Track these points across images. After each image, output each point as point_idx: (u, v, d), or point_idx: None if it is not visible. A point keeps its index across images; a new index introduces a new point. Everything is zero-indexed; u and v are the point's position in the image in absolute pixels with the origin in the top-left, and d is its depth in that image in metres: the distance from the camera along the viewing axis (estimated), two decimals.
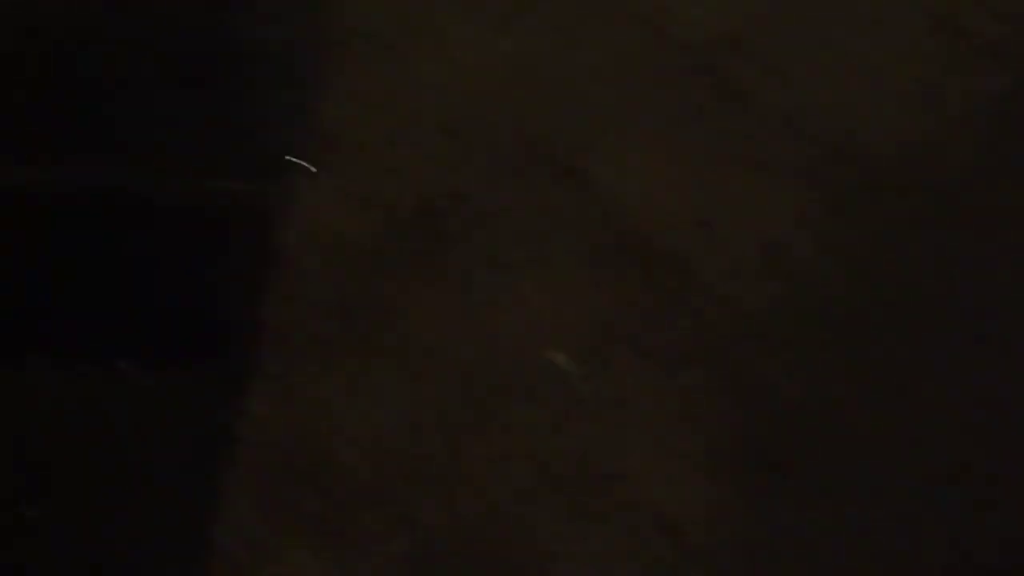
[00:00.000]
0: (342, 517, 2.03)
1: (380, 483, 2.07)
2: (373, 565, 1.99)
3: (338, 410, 2.14)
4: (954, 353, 2.24)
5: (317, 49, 2.61)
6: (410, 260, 2.33)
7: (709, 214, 2.41)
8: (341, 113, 2.51)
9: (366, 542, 2.01)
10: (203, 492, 2.03)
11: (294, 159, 2.41)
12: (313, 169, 2.41)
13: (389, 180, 2.43)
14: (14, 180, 2.36)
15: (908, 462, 2.12)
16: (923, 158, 2.50)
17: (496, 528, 2.04)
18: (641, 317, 2.27)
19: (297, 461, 2.07)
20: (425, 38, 2.65)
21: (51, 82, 2.53)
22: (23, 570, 1.97)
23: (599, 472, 2.09)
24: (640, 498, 2.06)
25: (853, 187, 2.46)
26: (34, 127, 2.45)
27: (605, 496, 2.07)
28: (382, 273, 2.31)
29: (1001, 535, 2.05)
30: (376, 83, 2.57)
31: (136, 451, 2.07)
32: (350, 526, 2.02)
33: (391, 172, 2.44)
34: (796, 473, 2.10)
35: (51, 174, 2.38)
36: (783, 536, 2.04)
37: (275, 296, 2.26)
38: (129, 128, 2.46)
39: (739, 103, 2.57)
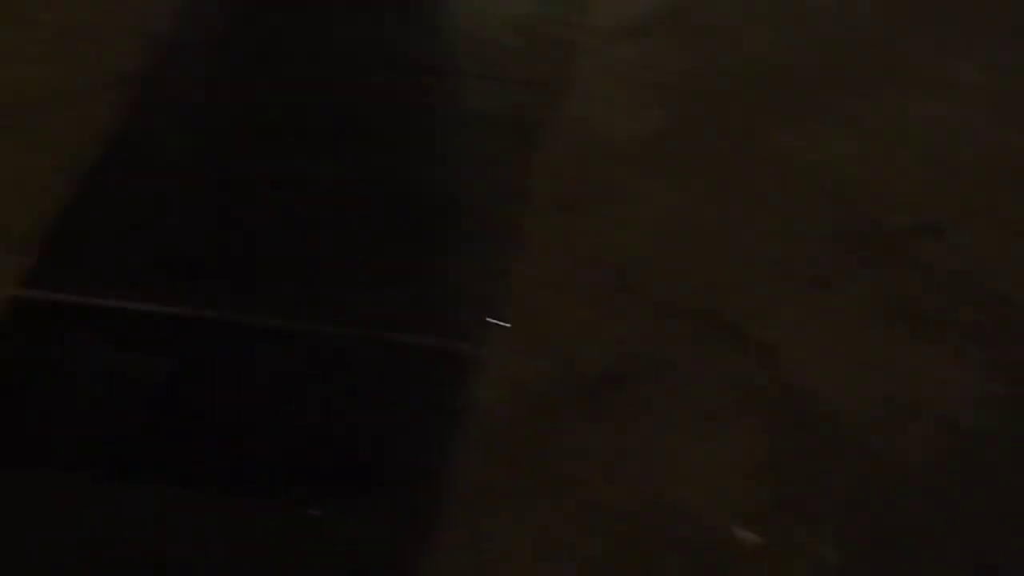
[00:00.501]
0: None
1: None
2: None
3: (513, 558, 2.19)
4: None
5: (502, 206, 2.73)
6: (588, 414, 2.38)
7: (881, 380, 2.43)
8: (523, 268, 2.61)
9: None
10: None
11: (490, 319, 2.50)
12: (507, 325, 2.49)
13: (568, 334, 2.50)
14: (221, 315, 2.51)
15: None
16: None
17: None
18: (807, 480, 2.29)
19: None
20: (606, 196, 2.76)
21: (253, 224, 2.69)
22: None
23: None
24: None
25: None
26: (243, 267, 2.61)
27: None
28: (559, 426, 2.37)
29: None
30: (557, 239, 2.67)
31: None
32: None
33: (570, 327, 2.52)
34: None
35: (248, 313, 2.51)
36: None
37: (454, 444, 2.33)
38: (318, 275, 2.59)
39: (916, 270, 2.61)
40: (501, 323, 2.50)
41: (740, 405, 2.40)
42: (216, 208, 2.74)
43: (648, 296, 2.58)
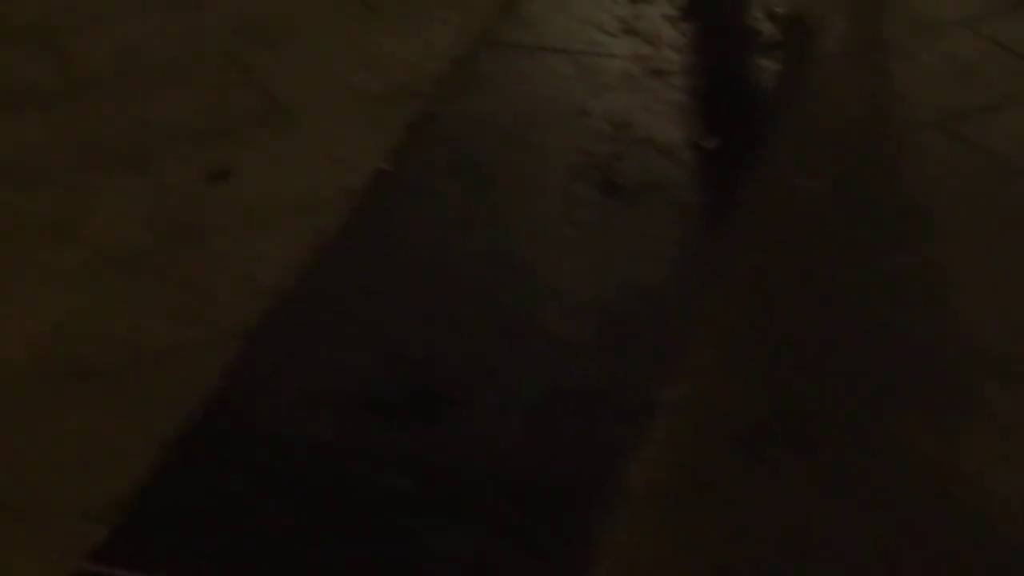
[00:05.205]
0: None
1: None
2: None
3: None
4: None
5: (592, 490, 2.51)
6: None
7: None
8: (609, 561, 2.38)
9: None
10: None
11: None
12: None
13: None
14: None
15: None
16: None
17: None
18: None
19: None
20: (704, 484, 2.52)
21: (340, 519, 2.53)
22: None
23: None
24: None
25: None
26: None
27: None
28: None
29: None
30: (647, 532, 2.44)
31: None
32: None
33: None
34: None
35: None
36: None
37: None
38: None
39: None
40: None
41: None
42: (308, 496, 2.57)
43: None
